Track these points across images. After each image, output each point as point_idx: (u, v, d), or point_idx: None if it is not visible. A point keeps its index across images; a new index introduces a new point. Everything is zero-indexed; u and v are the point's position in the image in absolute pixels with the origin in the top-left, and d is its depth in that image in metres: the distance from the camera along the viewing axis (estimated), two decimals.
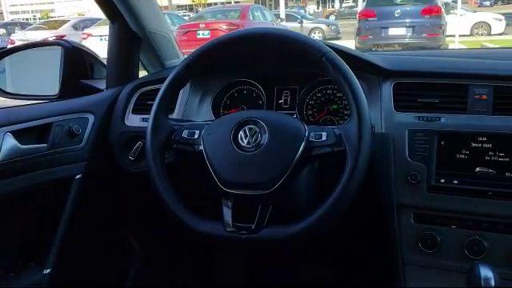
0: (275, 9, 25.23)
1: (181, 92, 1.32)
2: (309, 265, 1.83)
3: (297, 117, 1.34)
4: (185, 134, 1.06)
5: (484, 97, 1.13)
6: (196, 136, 1.05)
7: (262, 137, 0.98)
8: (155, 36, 1.55)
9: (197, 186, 1.07)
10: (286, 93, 1.39)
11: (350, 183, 0.90)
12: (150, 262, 1.79)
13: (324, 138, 0.96)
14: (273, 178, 0.95)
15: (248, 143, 0.99)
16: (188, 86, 1.39)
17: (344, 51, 1.17)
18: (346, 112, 1.33)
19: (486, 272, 0.90)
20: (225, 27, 9.99)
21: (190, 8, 35.18)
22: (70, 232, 1.37)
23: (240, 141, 1.00)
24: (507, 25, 13.58)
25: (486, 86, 1.13)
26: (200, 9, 25.16)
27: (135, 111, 1.46)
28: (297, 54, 1.02)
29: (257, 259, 1.84)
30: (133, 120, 1.44)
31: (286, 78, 1.38)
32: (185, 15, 20.20)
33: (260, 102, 1.41)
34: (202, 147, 1.02)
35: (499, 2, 32.87)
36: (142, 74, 1.63)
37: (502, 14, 14.53)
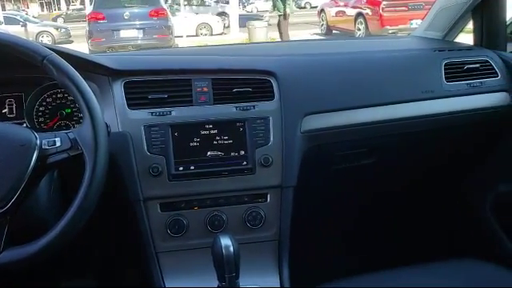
0: None
1: None
2: (69, 277, 1.73)
3: (27, 126, 1.24)
4: None
5: (205, 89, 1.27)
6: None
7: None
8: None
9: None
10: (10, 101, 1.27)
11: (91, 186, 0.89)
12: None
13: (58, 143, 0.92)
14: (4, 196, 0.86)
15: None
16: None
17: (68, 53, 1.14)
18: (80, 115, 1.30)
19: (225, 241, 1.00)
20: None
21: None
22: None
23: None
24: (225, 26, 15.42)
25: (205, 80, 1.27)
26: None
27: None
28: (18, 59, 0.95)
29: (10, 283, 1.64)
30: None
31: (9, 84, 1.26)
32: None
33: None
34: None
35: (219, 4, 36.84)
36: None
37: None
